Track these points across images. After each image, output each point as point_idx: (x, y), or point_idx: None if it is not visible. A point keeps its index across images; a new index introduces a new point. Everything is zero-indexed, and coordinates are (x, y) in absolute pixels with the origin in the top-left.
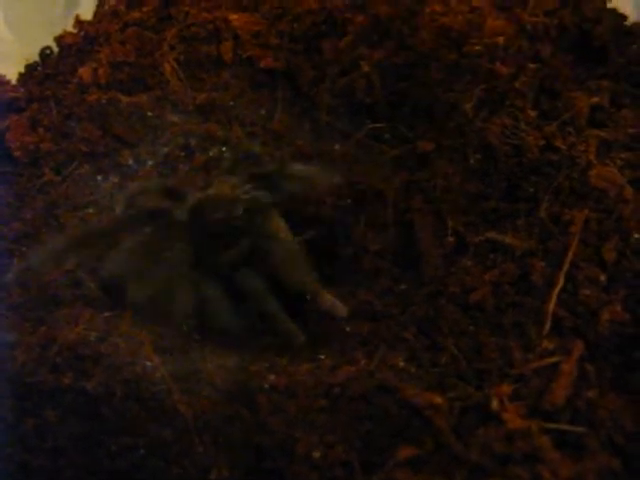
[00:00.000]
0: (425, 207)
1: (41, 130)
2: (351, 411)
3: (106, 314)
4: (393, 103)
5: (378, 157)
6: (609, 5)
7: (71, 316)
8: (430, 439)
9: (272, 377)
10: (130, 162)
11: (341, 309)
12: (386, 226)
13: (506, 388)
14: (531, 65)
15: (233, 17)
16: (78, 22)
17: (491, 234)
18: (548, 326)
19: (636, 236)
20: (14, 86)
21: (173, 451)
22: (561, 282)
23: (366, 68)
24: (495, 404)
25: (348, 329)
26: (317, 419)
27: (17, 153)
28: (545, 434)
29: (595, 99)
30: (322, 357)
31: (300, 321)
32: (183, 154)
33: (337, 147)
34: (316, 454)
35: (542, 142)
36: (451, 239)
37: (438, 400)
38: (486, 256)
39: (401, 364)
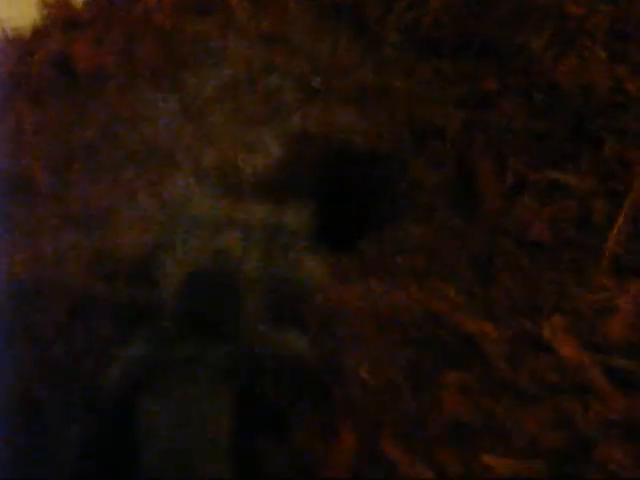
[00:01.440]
0: (486, 145)
1: (105, 49)
2: (400, 335)
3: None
4: (459, 41)
5: (440, 94)
6: None
7: (125, 227)
8: (478, 365)
9: (321, 296)
10: (191, 85)
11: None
12: (444, 163)
13: (560, 319)
14: (603, 6)
15: None
16: None
17: (552, 173)
18: (606, 264)
19: None
20: (81, 7)
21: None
22: (621, 222)
23: (434, 4)
24: (547, 333)
25: (400, 261)
26: (366, 340)
27: (80, 68)
28: (597, 367)
29: None
30: (372, 285)
31: (353, 248)
32: (245, 81)
33: (399, 83)
34: (364, 373)
35: (611, 83)
36: (511, 178)
37: (488, 327)
38: (546, 195)
39: (452, 295)
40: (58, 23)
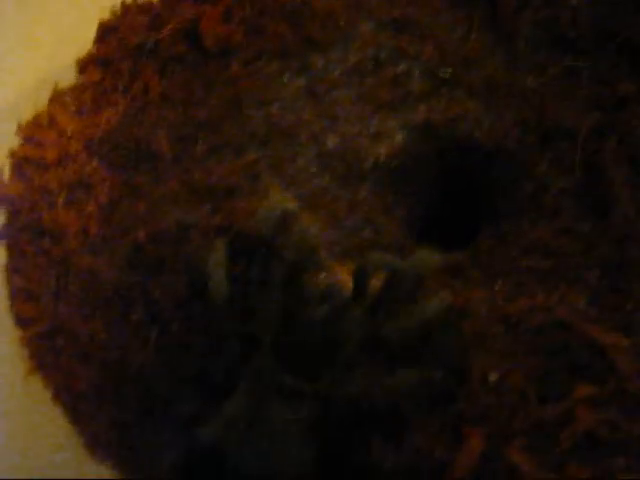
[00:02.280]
0: (619, 149)
1: (234, 23)
2: (528, 342)
3: None
4: (597, 40)
5: (572, 95)
6: None
7: (249, 208)
8: (613, 380)
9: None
10: (319, 66)
11: None
12: (572, 166)
13: None
14: None
15: None
16: None
17: None
18: None
19: None
20: None
21: None
22: None
23: (574, 0)
24: None
25: (524, 264)
26: (493, 345)
27: (208, 42)
28: None
29: None
30: (496, 288)
31: (471, 250)
32: (372, 65)
33: (530, 80)
34: (492, 377)
35: None
36: None
37: (623, 341)
38: None
39: (582, 305)
40: None
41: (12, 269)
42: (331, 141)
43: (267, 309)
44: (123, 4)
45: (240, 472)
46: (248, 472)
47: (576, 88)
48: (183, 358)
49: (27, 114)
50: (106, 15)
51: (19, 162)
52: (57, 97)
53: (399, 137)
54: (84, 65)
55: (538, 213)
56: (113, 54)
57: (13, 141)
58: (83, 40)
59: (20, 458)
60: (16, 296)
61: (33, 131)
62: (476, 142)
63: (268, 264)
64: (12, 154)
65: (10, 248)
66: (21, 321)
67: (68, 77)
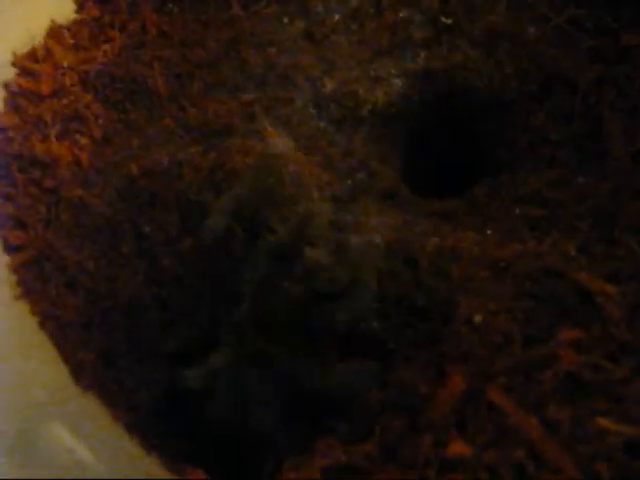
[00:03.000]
0: (618, 102)
1: None
2: (516, 287)
3: None
4: None
5: (574, 46)
6: None
7: (243, 147)
8: (598, 325)
9: (436, 239)
10: (318, 9)
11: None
12: (571, 118)
13: None
14: None
15: None
16: None
17: None
18: None
19: None
20: None
21: None
22: None
23: None
24: None
25: (517, 211)
26: (480, 287)
27: None
28: None
29: None
30: (489, 232)
31: (466, 198)
32: (373, 10)
33: (532, 30)
34: (477, 318)
35: None
36: None
37: (610, 288)
38: None
39: (572, 252)
40: None
41: (2, 196)
42: (329, 85)
43: (253, 275)
44: None
45: (212, 417)
46: (221, 418)
47: (578, 39)
48: (172, 294)
49: (23, 48)
50: None
51: (13, 93)
52: (54, 31)
53: (397, 84)
54: (83, 1)
55: (534, 164)
56: None
57: (7, 73)
58: None
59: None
60: (5, 223)
61: (29, 63)
62: (476, 91)
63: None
64: (6, 85)
65: (1, 176)
66: (10, 248)
67: (66, 13)
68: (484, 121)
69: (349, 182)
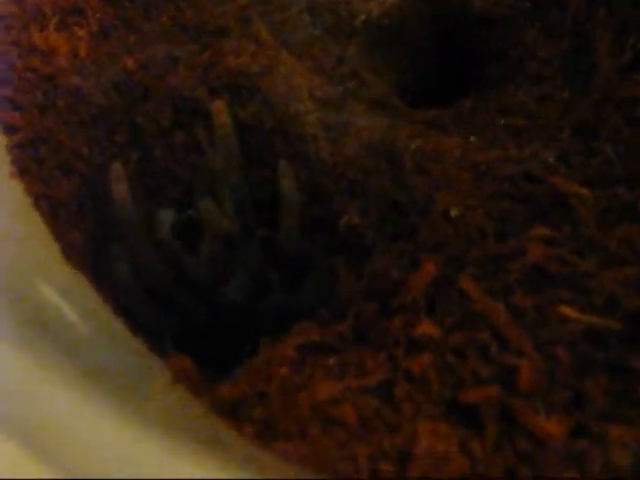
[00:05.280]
0: (608, 20)
1: None
2: (494, 188)
3: (269, 51)
4: None
5: None
6: None
7: (237, 48)
8: (569, 225)
9: (419, 141)
10: None
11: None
12: (561, 35)
13: None
14: None
15: None
16: None
17: None
18: None
19: None
20: None
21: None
22: None
23: None
24: None
25: (502, 122)
26: (459, 187)
27: None
28: None
29: None
30: (472, 139)
31: (453, 108)
32: None
33: None
34: (454, 212)
35: None
36: (629, 54)
37: (584, 192)
38: None
39: (551, 160)
40: None
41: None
42: None
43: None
44: None
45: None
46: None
47: None
48: (162, 184)
49: None
50: None
51: None
52: None
53: None
54: None
55: (523, 79)
56: None
57: None
58: None
59: None
60: (3, 105)
61: None
62: (470, 6)
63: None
64: None
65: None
66: (7, 128)
67: None
68: (477, 37)
69: (340, 89)
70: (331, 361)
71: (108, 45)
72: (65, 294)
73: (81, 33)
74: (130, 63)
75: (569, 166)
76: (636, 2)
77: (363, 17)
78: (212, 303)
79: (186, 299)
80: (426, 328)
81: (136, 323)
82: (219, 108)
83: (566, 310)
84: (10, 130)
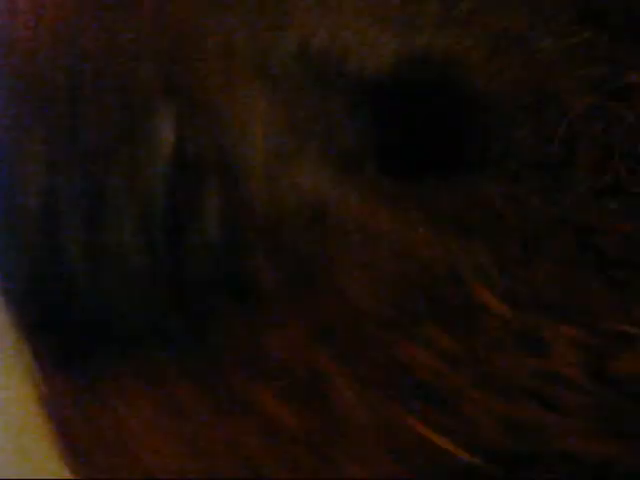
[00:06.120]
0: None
1: None
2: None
3: None
4: None
5: None
6: None
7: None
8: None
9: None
10: None
11: None
12: (551, 141)
13: None
14: None
15: None
16: None
17: None
18: None
19: None
20: None
21: None
22: None
23: None
24: None
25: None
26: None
27: None
28: None
29: None
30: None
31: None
32: None
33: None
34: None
35: None
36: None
37: (505, 310)
38: None
39: (487, 265)
40: None
41: None
42: None
43: None
44: None
45: None
46: None
47: None
48: None
49: None
50: None
51: None
52: None
53: None
54: None
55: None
56: None
57: None
58: None
59: None
60: None
61: None
62: (471, 86)
63: None
64: None
65: None
66: None
67: None
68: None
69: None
70: None
71: None
72: None
73: None
74: None
75: (503, 278)
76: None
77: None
78: None
79: None
80: None
81: None
82: None
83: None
84: None
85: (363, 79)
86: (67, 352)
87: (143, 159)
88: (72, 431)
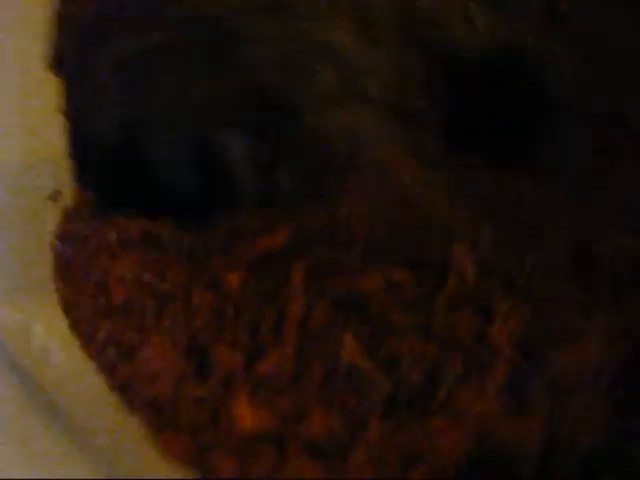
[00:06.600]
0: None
1: None
2: None
3: None
4: None
5: None
6: None
7: None
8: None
9: None
10: None
11: None
12: None
13: None
14: None
15: None
16: None
17: None
18: None
19: None
20: None
21: None
22: None
23: None
24: None
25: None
26: None
27: None
28: None
29: None
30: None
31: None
32: None
33: None
34: None
35: None
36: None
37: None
38: None
39: None
40: None
41: None
42: None
43: None
44: None
45: None
46: None
47: None
48: None
49: None
50: None
51: None
52: None
53: None
54: None
55: None
56: None
57: None
58: None
59: None
60: None
61: None
62: None
63: None
64: None
65: None
66: None
67: None
68: None
69: None
70: None
71: None
72: None
73: None
74: None
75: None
76: None
77: None
78: None
79: None
80: None
81: None
82: None
83: None
84: None
85: (456, 52)
86: None
87: None
88: None
